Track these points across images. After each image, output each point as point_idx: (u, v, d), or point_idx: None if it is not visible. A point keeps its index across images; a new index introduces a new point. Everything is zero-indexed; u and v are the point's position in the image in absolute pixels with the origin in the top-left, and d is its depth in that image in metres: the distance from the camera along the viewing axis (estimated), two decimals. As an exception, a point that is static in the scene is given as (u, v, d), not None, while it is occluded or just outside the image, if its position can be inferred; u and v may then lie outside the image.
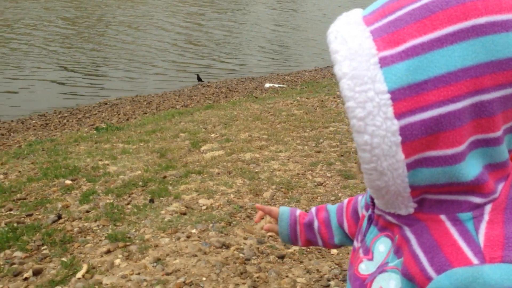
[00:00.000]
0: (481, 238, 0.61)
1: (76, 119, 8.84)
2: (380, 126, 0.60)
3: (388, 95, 0.59)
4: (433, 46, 0.58)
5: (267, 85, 11.43)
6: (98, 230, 3.32)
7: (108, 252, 3.02)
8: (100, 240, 3.18)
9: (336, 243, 1.22)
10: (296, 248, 3.18)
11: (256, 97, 9.70)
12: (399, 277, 0.70)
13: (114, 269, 2.83)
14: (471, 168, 0.62)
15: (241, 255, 3.04)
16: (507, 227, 0.62)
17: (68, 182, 4.21)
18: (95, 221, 3.45)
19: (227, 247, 3.13)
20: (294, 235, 1.26)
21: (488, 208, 0.64)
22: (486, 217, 0.63)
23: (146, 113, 9.15)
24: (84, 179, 4.30)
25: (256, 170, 4.58)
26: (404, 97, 0.59)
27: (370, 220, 0.83)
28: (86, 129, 7.79)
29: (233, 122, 6.64)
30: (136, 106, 9.83)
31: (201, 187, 4.13)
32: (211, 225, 3.40)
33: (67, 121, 8.73)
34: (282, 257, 3.06)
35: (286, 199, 3.94)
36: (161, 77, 12.32)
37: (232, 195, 3.97)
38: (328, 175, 4.50)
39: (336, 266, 3.01)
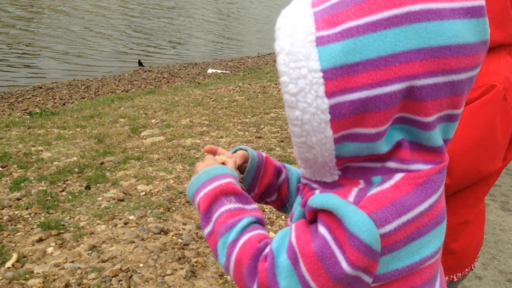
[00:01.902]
0: (372, 192, 0.65)
1: (8, 103, 8.39)
2: (311, 104, 0.62)
3: (321, 74, 0.60)
4: (367, 29, 0.59)
5: (210, 71, 11.34)
6: (30, 218, 3.19)
7: (40, 240, 2.91)
8: (32, 229, 3.06)
9: (287, 207, 1.10)
10: (235, 232, 3.21)
11: (199, 83, 9.61)
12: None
13: (46, 257, 2.74)
14: (389, 140, 0.66)
15: (179, 240, 3.02)
16: (407, 198, 0.64)
17: (-3, 169, 4.00)
18: (27, 209, 3.31)
19: (166, 233, 3.11)
20: (257, 178, 1.05)
21: (399, 175, 0.66)
22: (392, 181, 0.66)
23: (84, 98, 8.84)
24: (15, 166, 4.11)
25: (197, 156, 4.56)
26: (336, 77, 0.60)
27: (298, 190, 0.87)
28: (18, 114, 7.42)
29: (174, 108, 6.55)
30: (73, 90, 9.46)
31: (140, 173, 4.06)
32: (149, 211, 3.35)
33: (-2, 105, 8.27)
34: (221, 241, 3.08)
35: (226, 185, 3.95)
36: (100, 61, 11.90)
37: (171, 181, 3.93)
38: (268, 160, 4.54)
39: (274, 249, 3.06)
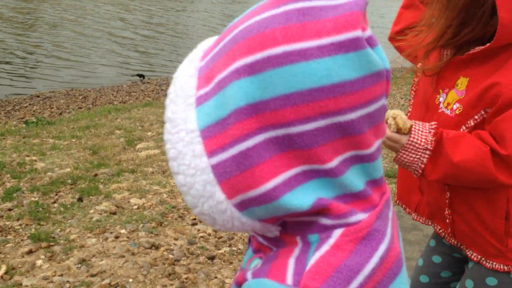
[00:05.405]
0: (311, 262, 0.56)
1: (5, 111, 8.38)
2: (189, 165, 0.57)
3: (198, 133, 0.56)
4: (232, 78, 0.54)
5: (208, 84, 11.35)
6: (21, 230, 3.17)
7: (30, 252, 2.89)
8: (22, 240, 3.04)
9: None
10: (226, 249, 3.20)
11: (196, 96, 9.63)
12: None
13: (35, 270, 2.72)
14: (303, 196, 0.57)
15: (170, 255, 3.01)
16: (352, 258, 0.56)
17: (-10, 178, 3.99)
18: (18, 219, 3.29)
19: (157, 247, 3.09)
20: None
21: (337, 232, 0.57)
22: (332, 241, 0.57)
23: (81, 108, 8.84)
24: (8, 175, 4.10)
25: (191, 170, 4.55)
26: (214, 134, 0.55)
27: (249, 241, 0.78)
28: (14, 123, 7.42)
29: (171, 121, 6.55)
30: (70, 100, 9.47)
31: (133, 186, 4.05)
32: (141, 225, 3.34)
33: (-6, 113, 8.27)
34: (212, 258, 3.06)
35: (220, 200, 3.94)
36: (99, 71, 11.93)
37: (165, 195, 3.92)
38: (263, 176, 4.55)
39: (265, 267, 3.04)
